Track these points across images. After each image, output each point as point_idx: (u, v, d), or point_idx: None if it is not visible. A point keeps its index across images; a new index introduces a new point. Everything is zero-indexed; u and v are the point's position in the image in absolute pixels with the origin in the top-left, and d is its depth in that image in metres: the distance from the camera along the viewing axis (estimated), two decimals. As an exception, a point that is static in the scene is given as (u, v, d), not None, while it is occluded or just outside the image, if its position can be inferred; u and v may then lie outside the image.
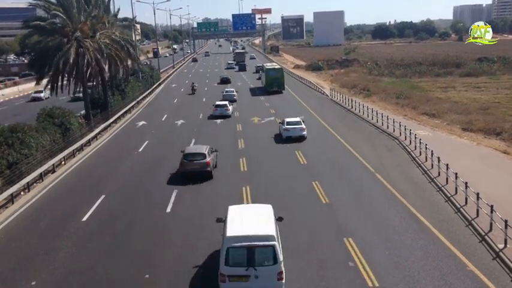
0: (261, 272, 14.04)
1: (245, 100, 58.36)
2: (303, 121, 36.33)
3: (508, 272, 15.77)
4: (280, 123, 37.97)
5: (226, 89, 61.04)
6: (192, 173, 26.16)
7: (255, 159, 30.64)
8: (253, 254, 14.08)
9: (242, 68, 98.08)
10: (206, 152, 26.71)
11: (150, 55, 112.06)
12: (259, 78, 76.88)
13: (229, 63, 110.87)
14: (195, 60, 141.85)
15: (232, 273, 14.10)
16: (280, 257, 14.22)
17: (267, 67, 69.55)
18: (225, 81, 76.61)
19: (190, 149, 27.75)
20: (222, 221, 16.67)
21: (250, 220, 15.73)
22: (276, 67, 70.35)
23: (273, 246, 14.15)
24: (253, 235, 14.40)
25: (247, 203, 22.60)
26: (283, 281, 14.25)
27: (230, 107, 47.10)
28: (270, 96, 56.56)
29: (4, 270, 17.23)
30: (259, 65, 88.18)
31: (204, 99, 60.24)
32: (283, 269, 14.24)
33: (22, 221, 22.01)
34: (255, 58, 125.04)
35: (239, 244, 14.13)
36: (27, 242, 19.63)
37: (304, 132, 35.35)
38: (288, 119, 36.66)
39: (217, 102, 48.35)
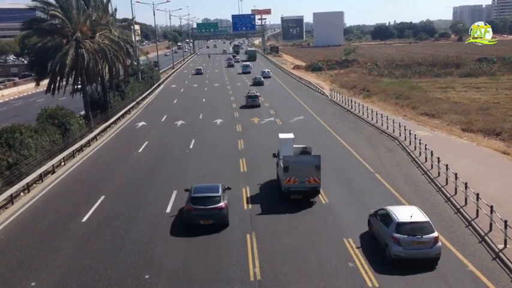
0: None
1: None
2: None
3: (508, 272, 15.78)
4: None
5: (232, 55, 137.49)
6: None
7: (255, 159, 30.59)
8: None
9: (237, 53, 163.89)
10: None
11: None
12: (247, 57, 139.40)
13: (224, 50, 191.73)
14: (208, 47, 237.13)
15: None
16: None
17: (248, 49, 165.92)
18: (235, 52, 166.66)
19: None
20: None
21: None
22: (252, 49, 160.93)
23: None
24: None
25: (247, 203, 22.69)
26: None
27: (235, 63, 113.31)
28: (272, 98, 57.07)
29: (4, 270, 17.22)
30: (246, 50, 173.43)
31: (204, 100, 60.25)
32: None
33: (22, 222, 21.98)
34: (243, 48, 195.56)
35: None
36: (27, 242, 19.61)
37: None
38: None
39: (230, 56, 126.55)
